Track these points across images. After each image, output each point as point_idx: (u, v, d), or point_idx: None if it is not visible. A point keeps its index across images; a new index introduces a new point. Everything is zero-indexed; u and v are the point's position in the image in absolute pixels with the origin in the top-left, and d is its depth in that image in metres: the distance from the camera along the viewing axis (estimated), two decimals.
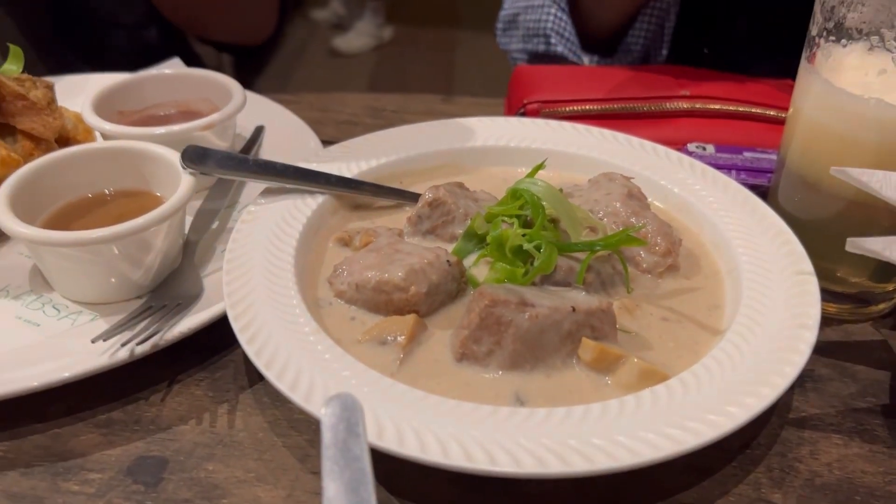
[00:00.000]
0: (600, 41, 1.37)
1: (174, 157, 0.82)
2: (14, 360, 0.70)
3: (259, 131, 1.05)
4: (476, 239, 0.79)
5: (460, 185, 0.85)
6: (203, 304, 0.76)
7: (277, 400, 0.71)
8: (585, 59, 1.34)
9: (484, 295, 0.65)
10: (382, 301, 0.70)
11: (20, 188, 0.78)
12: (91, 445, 0.67)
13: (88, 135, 1.01)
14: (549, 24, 1.34)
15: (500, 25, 1.48)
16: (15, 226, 0.73)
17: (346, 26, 5.30)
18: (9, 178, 0.78)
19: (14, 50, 0.96)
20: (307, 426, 0.68)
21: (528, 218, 0.75)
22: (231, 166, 0.83)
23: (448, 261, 0.71)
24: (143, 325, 0.72)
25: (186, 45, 1.51)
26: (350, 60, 5.24)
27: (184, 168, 0.80)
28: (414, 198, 0.87)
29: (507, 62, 1.50)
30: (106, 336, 0.69)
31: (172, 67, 1.20)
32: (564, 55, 1.33)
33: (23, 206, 0.77)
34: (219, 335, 0.75)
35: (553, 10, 1.33)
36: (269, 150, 1.04)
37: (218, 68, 1.42)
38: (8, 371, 0.68)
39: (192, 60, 1.29)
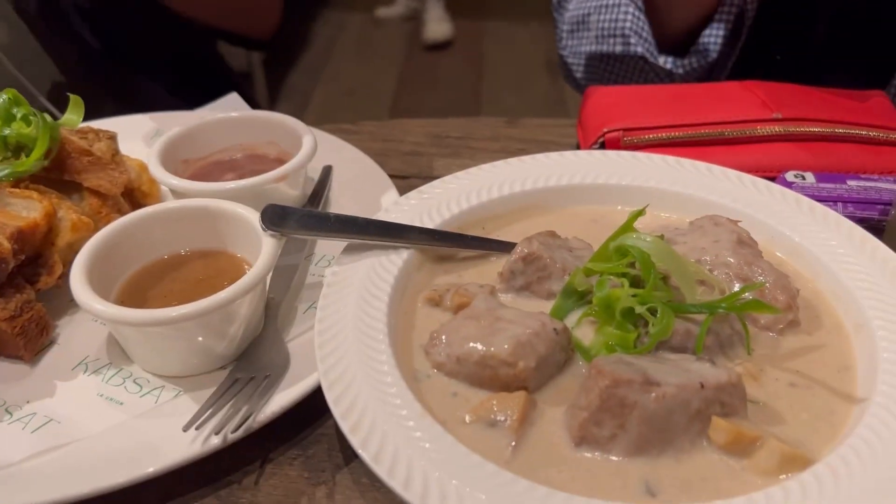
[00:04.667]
0: (675, 41, 1.31)
1: (253, 217, 0.78)
2: (105, 450, 0.67)
3: (327, 173, 1.00)
4: (576, 296, 0.73)
5: (552, 235, 0.80)
6: (292, 374, 0.72)
7: (377, 481, 0.67)
8: (660, 60, 1.28)
9: (603, 374, 0.60)
10: (487, 376, 0.65)
11: (96, 257, 0.75)
12: None
13: (153, 185, 0.97)
14: (628, 24, 1.29)
15: (565, 27, 1.42)
16: (94, 304, 0.69)
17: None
18: (84, 248, 0.75)
19: (74, 99, 0.92)
20: None
21: (636, 275, 0.70)
22: (312, 226, 0.78)
23: (555, 329, 0.66)
24: (231, 403, 0.68)
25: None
26: (380, 61, 5.16)
27: (264, 230, 0.76)
28: (501, 247, 0.82)
29: (535, 55, 1.45)
30: (197, 424, 0.65)
31: (231, 104, 1.17)
32: (644, 55, 1.27)
33: (99, 274, 0.74)
34: (308, 405, 0.71)
35: (631, 10, 1.27)
36: (340, 194, 0.99)
37: (248, 68, 1.38)
38: (101, 464, 0.65)
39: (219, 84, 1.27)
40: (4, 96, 0.84)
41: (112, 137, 0.94)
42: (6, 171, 0.80)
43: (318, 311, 0.72)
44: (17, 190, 0.80)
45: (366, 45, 5.29)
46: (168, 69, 1.48)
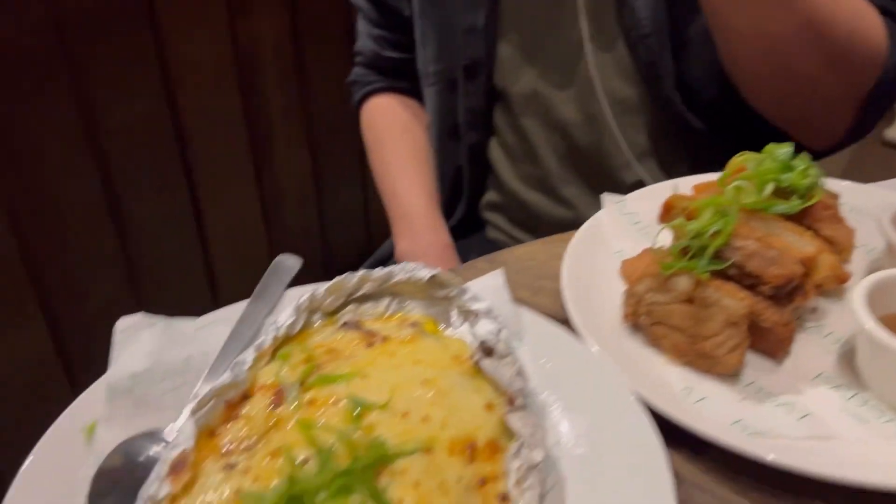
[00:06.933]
0: None
1: None
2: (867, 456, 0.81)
3: None
4: None
5: None
6: None
7: None
8: None
9: None
10: None
11: (872, 289, 0.89)
12: None
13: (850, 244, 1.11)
14: None
15: None
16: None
17: None
18: (866, 280, 0.90)
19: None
20: None
21: None
22: None
23: None
24: None
25: None
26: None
27: None
28: None
29: None
30: None
31: None
32: None
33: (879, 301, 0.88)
34: None
35: None
36: None
37: None
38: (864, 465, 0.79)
39: None
40: (786, 149, 1.04)
41: (835, 197, 1.11)
42: (783, 208, 1.00)
43: None
44: (791, 224, 0.99)
45: None
46: None
